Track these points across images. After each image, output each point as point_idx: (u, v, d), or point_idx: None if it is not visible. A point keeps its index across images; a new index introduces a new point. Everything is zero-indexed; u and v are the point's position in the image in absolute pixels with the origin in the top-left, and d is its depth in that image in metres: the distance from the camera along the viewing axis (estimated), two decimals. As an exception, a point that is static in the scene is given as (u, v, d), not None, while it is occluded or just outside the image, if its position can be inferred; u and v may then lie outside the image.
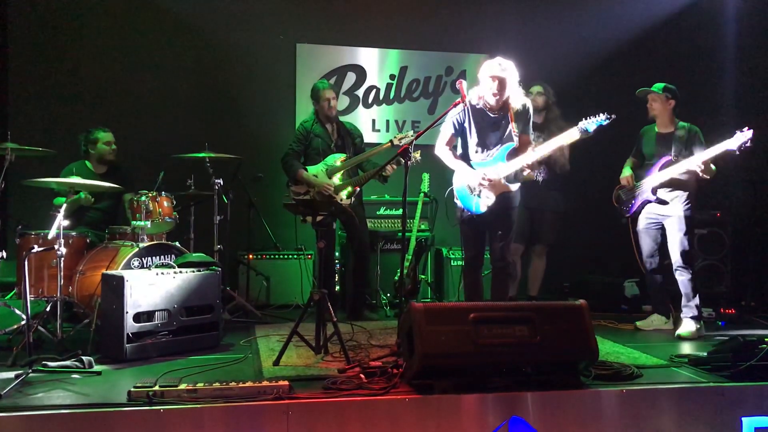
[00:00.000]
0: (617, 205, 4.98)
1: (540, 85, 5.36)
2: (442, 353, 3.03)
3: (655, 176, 4.68)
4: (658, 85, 4.72)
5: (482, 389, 3.07)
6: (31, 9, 5.95)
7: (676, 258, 4.64)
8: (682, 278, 4.63)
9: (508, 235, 4.24)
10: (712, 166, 4.47)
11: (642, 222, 4.84)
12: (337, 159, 5.09)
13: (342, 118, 5.49)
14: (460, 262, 5.75)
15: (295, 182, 5.11)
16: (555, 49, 6.42)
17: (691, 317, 4.58)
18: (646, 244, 4.83)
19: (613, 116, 4.03)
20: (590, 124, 3.93)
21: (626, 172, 4.92)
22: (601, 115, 3.96)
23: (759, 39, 6.34)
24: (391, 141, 4.90)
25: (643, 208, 4.81)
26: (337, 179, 5.04)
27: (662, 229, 4.76)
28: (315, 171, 5.07)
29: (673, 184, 4.66)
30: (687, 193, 4.66)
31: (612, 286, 5.85)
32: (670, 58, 6.51)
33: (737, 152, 4.30)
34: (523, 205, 5.10)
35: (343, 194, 4.98)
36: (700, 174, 4.45)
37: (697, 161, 4.44)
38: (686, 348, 4.18)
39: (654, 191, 4.69)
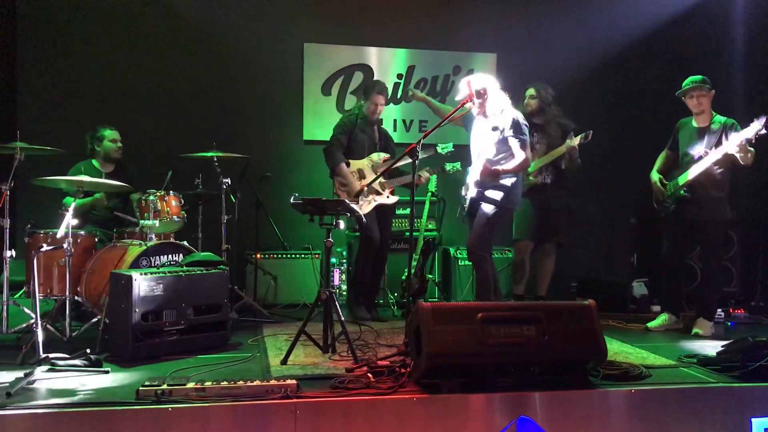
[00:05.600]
0: (657, 206, 4.82)
1: (533, 87, 5.23)
2: (449, 353, 3.03)
3: (689, 171, 4.52)
4: (697, 78, 4.57)
5: (490, 389, 3.06)
6: (39, 8, 5.98)
7: (706, 260, 4.66)
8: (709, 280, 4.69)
9: (475, 228, 4.44)
10: (750, 148, 4.26)
11: (672, 219, 4.71)
12: (382, 157, 5.11)
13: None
14: (467, 262, 5.74)
15: (334, 174, 5.08)
16: (563, 48, 6.39)
17: (706, 317, 4.63)
18: (670, 240, 4.78)
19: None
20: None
21: (654, 176, 4.79)
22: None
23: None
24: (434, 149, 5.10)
25: (679, 206, 4.64)
26: (373, 176, 4.95)
27: (690, 229, 4.66)
28: (360, 165, 5.06)
29: (708, 182, 4.50)
30: (723, 194, 4.55)
31: (620, 286, 5.82)
32: (679, 57, 6.46)
33: (754, 140, 4.22)
34: (531, 204, 5.12)
35: (386, 194, 5.07)
36: (739, 158, 4.25)
37: (731, 145, 4.25)
38: (695, 348, 4.15)
39: (686, 188, 4.55)
